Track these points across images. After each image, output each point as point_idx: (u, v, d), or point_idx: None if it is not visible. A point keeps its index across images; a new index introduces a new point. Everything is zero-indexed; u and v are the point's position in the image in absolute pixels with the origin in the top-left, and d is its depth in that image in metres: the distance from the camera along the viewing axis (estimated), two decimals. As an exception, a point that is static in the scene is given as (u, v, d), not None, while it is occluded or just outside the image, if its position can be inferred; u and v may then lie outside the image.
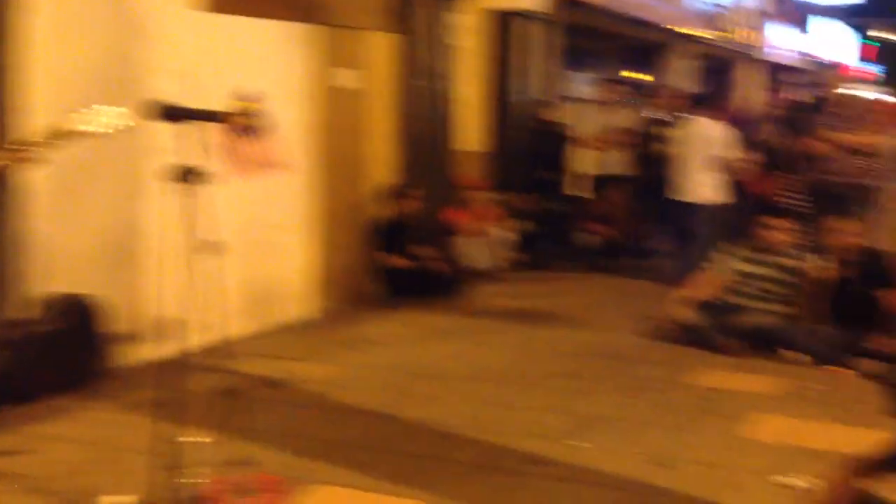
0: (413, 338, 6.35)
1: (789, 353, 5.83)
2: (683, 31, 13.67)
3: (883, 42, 23.76)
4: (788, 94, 12.43)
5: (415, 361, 5.76)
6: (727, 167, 7.80)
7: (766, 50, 16.97)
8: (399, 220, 7.57)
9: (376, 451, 4.19)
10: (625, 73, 13.62)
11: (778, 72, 17.41)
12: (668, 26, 13.30)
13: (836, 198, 7.07)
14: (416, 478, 3.83)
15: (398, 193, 7.68)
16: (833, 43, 20.81)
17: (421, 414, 4.66)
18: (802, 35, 18.49)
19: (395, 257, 7.42)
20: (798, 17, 18.44)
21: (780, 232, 6.34)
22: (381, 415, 4.69)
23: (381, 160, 7.66)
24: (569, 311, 7.26)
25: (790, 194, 7.46)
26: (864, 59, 23.58)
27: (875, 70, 23.90)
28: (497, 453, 4.15)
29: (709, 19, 14.68)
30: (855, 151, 7.12)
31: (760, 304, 6.17)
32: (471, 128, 9.00)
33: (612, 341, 6.32)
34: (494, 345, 6.22)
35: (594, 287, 8.36)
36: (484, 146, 9.31)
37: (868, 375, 5.13)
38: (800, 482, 3.72)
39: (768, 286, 6.22)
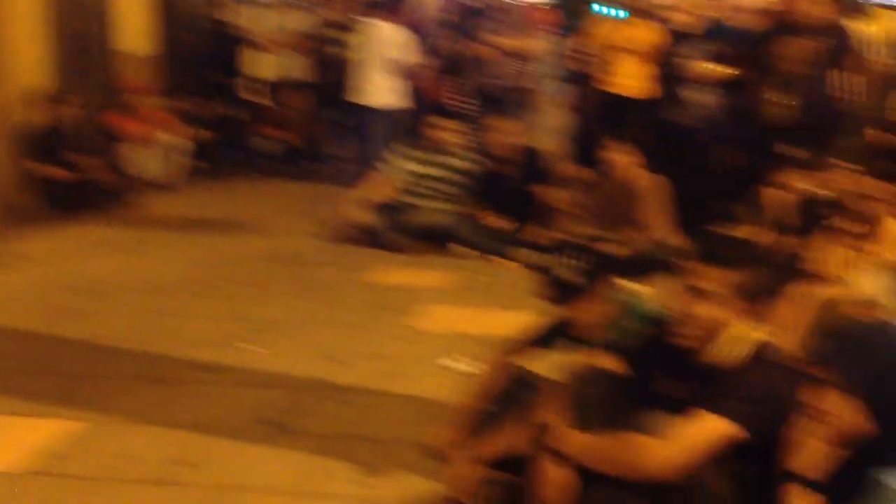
0: (74, 252, 5.89)
1: (458, 248, 6.12)
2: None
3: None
4: (458, 0, 12.77)
5: (76, 277, 5.35)
6: (404, 71, 7.91)
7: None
8: (54, 126, 6.92)
9: (31, 374, 3.86)
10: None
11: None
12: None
13: (498, 100, 7.43)
14: (77, 397, 3.59)
15: (51, 98, 7.00)
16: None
17: (82, 331, 4.36)
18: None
19: (51, 167, 6.79)
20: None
21: (449, 133, 6.56)
22: (36, 335, 4.33)
23: (29, 61, 6.91)
24: (246, 218, 7.10)
25: (458, 97, 7.72)
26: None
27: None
28: (166, 364, 3.98)
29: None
30: (514, 55, 7.49)
31: (432, 203, 6.39)
32: (134, 27, 8.36)
33: (290, 246, 6.26)
34: (166, 256, 5.93)
35: (273, 193, 8.23)
36: (150, 47, 8.71)
37: (526, 264, 5.51)
38: (464, 365, 3.93)
39: (439, 185, 6.44)
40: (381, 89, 7.90)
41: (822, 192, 4.90)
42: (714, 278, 2.22)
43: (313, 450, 3.19)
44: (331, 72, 8.78)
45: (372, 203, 6.39)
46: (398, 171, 6.53)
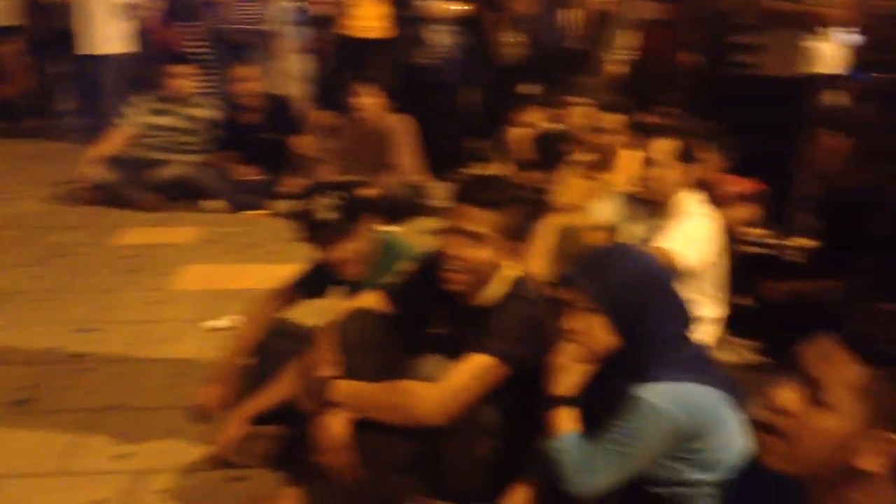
0: None
1: (207, 202, 5.90)
2: None
3: None
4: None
5: None
6: (131, 14, 7.43)
7: None
8: None
9: None
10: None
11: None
12: None
13: (236, 45, 7.18)
14: None
15: None
16: None
17: None
18: None
19: None
20: None
21: (186, 81, 6.26)
22: None
23: None
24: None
25: (192, 42, 7.38)
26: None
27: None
28: None
29: None
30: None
31: (173, 155, 6.10)
32: None
33: (16, 211, 5.78)
34: None
35: (-7, 154, 7.54)
36: None
37: (281, 215, 5.41)
38: (225, 322, 3.82)
39: (178, 136, 6.16)
40: (107, 35, 7.39)
41: (558, 127, 5.17)
42: (480, 220, 2.27)
43: (67, 427, 2.98)
44: (49, 17, 8.12)
45: (108, 159, 6.00)
46: (134, 124, 6.17)
